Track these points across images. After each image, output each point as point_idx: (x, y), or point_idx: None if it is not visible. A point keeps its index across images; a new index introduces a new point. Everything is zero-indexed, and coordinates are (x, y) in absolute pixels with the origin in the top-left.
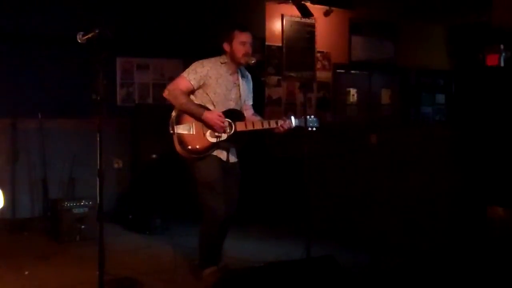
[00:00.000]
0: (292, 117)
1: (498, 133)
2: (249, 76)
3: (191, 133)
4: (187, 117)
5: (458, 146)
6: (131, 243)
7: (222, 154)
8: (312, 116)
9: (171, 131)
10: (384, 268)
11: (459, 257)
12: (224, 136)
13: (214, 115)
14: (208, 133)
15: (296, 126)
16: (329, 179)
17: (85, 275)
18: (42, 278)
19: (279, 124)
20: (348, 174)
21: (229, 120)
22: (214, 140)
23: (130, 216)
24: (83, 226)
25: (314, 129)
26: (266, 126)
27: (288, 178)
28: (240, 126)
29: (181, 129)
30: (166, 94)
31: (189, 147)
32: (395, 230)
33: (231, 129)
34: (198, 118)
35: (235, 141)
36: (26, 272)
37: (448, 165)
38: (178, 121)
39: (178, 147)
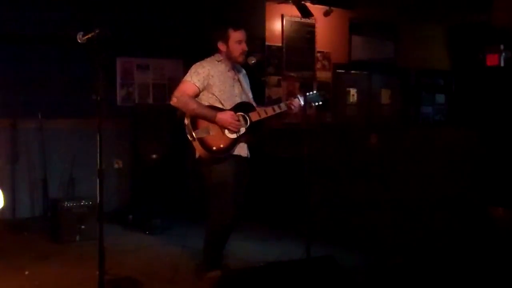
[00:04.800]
0: (299, 96)
1: (498, 133)
2: (244, 70)
3: (211, 134)
4: (201, 120)
5: (458, 146)
6: (131, 243)
7: (243, 150)
8: (314, 91)
9: (191, 138)
10: (384, 268)
11: (460, 257)
12: (242, 130)
13: (227, 115)
14: (226, 130)
15: (304, 105)
16: (329, 179)
17: (85, 275)
18: (42, 278)
19: (288, 106)
20: (348, 174)
21: (243, 114)
22: (234, 136)
23: (130, 216)
24: (83, 226)
25: (320, 103)
26: (277, 110)
27: (288, 178)
28: (254, 116)
29: (200, 134)
30: (174, 102)
31: (214, 148)
32: (395, 230)
33: (246, 121)
34: (211, 121)
35: (253, 132)
36: (26, 272)
37: (448, 165)
38: (195, 126)
39: (202, 152)
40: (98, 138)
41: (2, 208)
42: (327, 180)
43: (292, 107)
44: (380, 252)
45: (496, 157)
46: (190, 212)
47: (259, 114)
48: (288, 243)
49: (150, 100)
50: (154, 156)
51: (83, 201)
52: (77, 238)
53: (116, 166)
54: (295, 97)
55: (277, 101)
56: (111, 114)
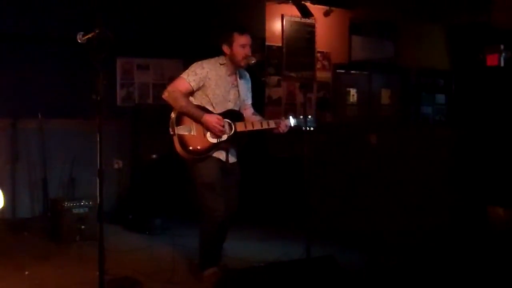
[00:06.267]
0: (291, 117)
1: (498, 133)
2: (248, 75)
3: (192, 134)
4: (187, 118)
5: (458, 146)
6: (131, 243)
7: (221, 155)
8: (310, 116)
9: (172, 133)
10: (384, 268)
11: (459, 257)
12: (224, 137)
13: (213, 118)
14: (208, 133)
15: (294, 126)
16: (329, 179)
17: (85, 275)
18: (42, 278)
19: (277, 124)
20: (348, 174)
21: (229, 121)
22: (214, 140)
23: (130, 216)
24: (83, 226)
25: (312, 128)
26: (265, 126)
27: (288, 178)
28: (240, 127)
29: (181, 130)
30: (165, 95)
31: (190, 147)
32: (395, 230)
33: (231, 129)
34: (198, 121)
35: (235, 141)
36: (26, 272)
37: (448, 165)
38: (179, 122)
39: (178, 148)
40: (98, 138)
41: (2, 208)
42: (327, 180)
43: (280, 129)
44: (380, 252)
45: (495, 157)
46: (190, 212)
47: (245, 125)
48: (288, 243)
49: (150, 100)
50: (154, 156)
51: (83, 201)
52: (77, 238)
53: (116, 166)
54: (287, 117)
55: (277, 101)
56: (111, 114)
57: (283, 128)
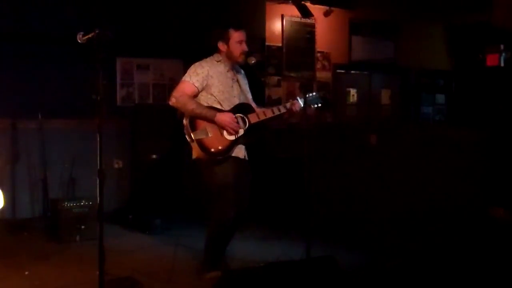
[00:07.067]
0: (298, 98)
1: (498, 134)
2: (242, 71)
3: (209, 136)
4: (200, 121)
5: (458, 146)
6: (131, 243)
7: (240, 152)
8: (313, 93)
9: (189, 139)
10: (384, 269)
11: (460, 257)
12: (241, 132)
13: (226, 117)
14: (225, 132)
15: (304, 106)
16: (329, 179)
17: (85, 275)
18: (42, 278)
19: (288, 107)
20: (348, 174)
21: (242, 115)
22: (232, 137)
23: (130, 216)
24: (83, 226)
25: (319, 105)
26: (276, 112)
27: (288, 178)
28: (253, 118)
29: (198, 135)
30: (173, 102)
31: (212, 149)
32: (395, 231)
33: (245, 123)
34: (211, 121)
35: (252, 133)
36: (26, 272)
37: (448, 165)
38: (193, 127)
39: (200, 153)
40: (98, 138)
41: (2, 208)
42: (327, 181)
43: (293, 109)
44: (380, 252)
45: (496, 158)
46: (190, 212)
47: (258, 116)
48: (288, 243)
49: (150, 100)
50: (154, 156)
51: (83, 201)
52: (77, 238)
53: (116, 166)
54: (295, 99)
55: (277, 101)
56: (111, 114)
57: (296, 108)
